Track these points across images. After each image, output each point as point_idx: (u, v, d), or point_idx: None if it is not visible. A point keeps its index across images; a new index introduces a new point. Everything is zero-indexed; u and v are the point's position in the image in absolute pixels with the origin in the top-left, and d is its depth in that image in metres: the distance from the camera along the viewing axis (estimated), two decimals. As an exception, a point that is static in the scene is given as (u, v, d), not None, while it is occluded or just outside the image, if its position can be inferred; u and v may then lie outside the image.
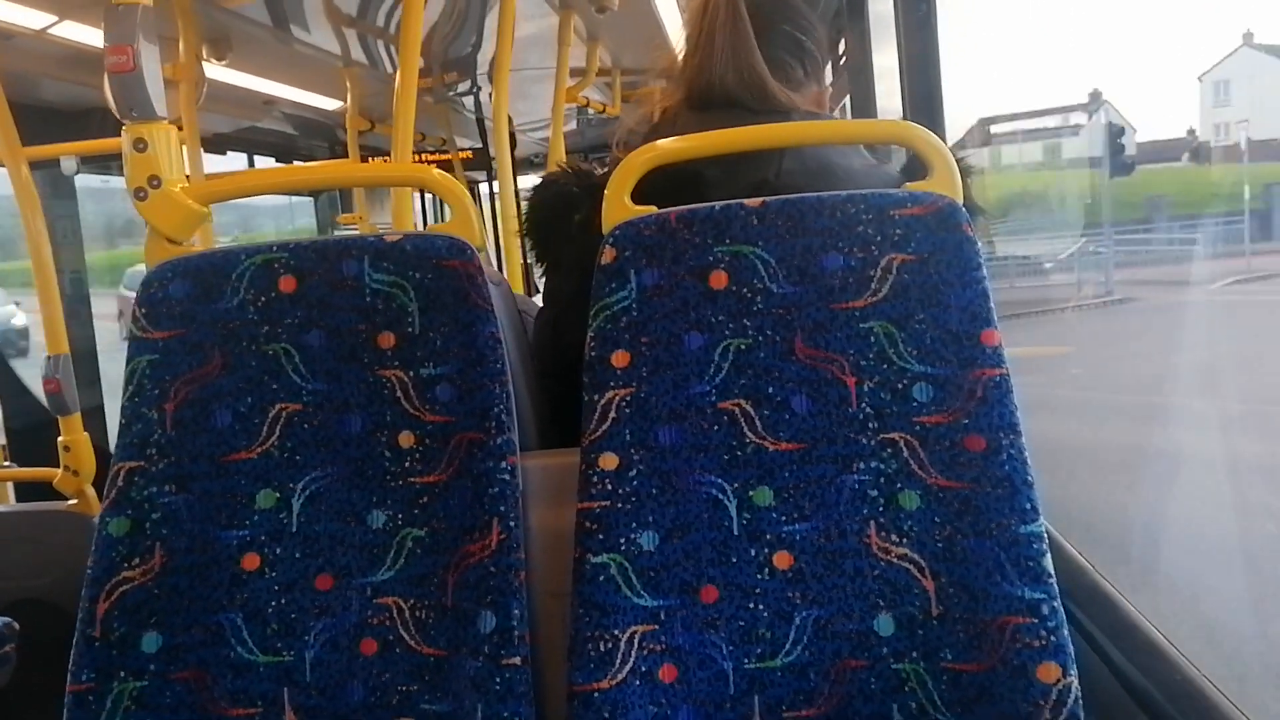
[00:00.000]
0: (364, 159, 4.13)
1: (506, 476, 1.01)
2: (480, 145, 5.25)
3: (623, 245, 1.02)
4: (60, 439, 1.92)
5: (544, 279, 1.37)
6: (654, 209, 1.04)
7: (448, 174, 1.16)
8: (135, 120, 1.08)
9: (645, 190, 1.06)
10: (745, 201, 1.02)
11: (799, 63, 1.31)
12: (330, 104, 4.13)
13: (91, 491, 1.95)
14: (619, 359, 1.00)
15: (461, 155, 5.29)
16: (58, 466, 1.96)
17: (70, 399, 1.91)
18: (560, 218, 1.27)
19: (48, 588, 1.94)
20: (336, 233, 5.53)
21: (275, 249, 1.07)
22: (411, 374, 1.05)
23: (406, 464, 1.04)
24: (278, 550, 1.04)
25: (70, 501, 1.95)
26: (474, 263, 1.05)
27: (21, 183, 1.92)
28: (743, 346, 1.00)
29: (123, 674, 1.01)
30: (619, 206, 1.05)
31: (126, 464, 1.04)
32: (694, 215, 1.01)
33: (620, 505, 0.98)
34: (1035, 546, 0.92)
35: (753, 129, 1.13)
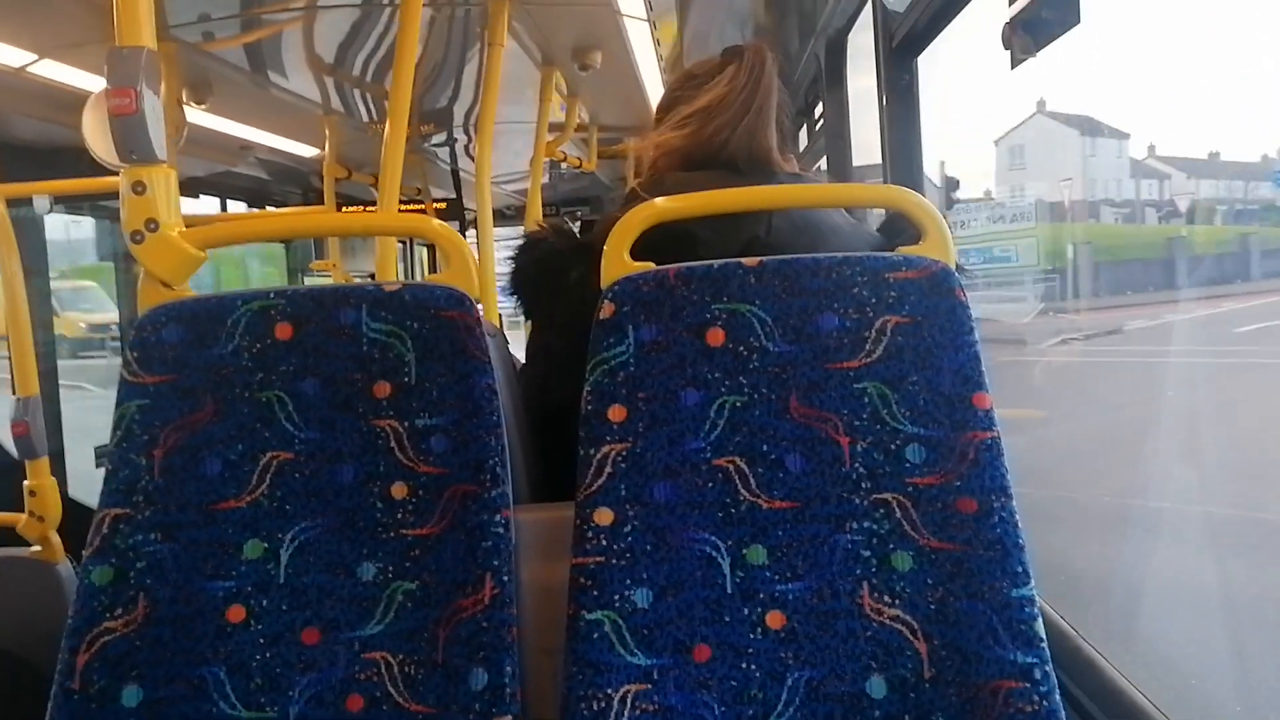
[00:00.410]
0: (338, 207, 4.12)
1: (501, 530, 1.00)
2: (454, 196, 5.28)
3: (621, 301, 1.02)
4: (26, 483, 1.88)
5: (530, 336, 1.37)
6: (652, 265, 1.05)
7: (447, 225, 1.16)
8: (135, 163, 1.07)
9: (639, 247, 1.07)
10: (743, 261, 1.03)
11: (780, 130, 1.35)
12: (306, 150, 4.13)
13: (55, 538, 1.90)
14: (616, 413, 1.01)
15: (435, 205, 5.31)
16: (14, 511, 1.92)
17: (39, 442, 1.87)
18: (553, 275, 1.28)
19: (6, 635, 1.88)
20: (308, 279, 5.50)
21: (272, 295, 1.06)
22: (406, 424, 1.04)
23: (399, 515, 1.03)
24: (264, 602, 1.02)
25: (34, 548, 1.90)
26: (472, 314, 1.05)
27: None
28: (738, 404, 1.01)
29: None
30: (618, 263, 1.06)
31: (112, 511, 1.02)
32: (692, 273, 1.03)
33: (615, 561, 0.97)
34: (1027, 610, 0.93)
35: (751, 190, 1.15)
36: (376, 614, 1.02)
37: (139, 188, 1.08)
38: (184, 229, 1.11)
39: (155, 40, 1.07)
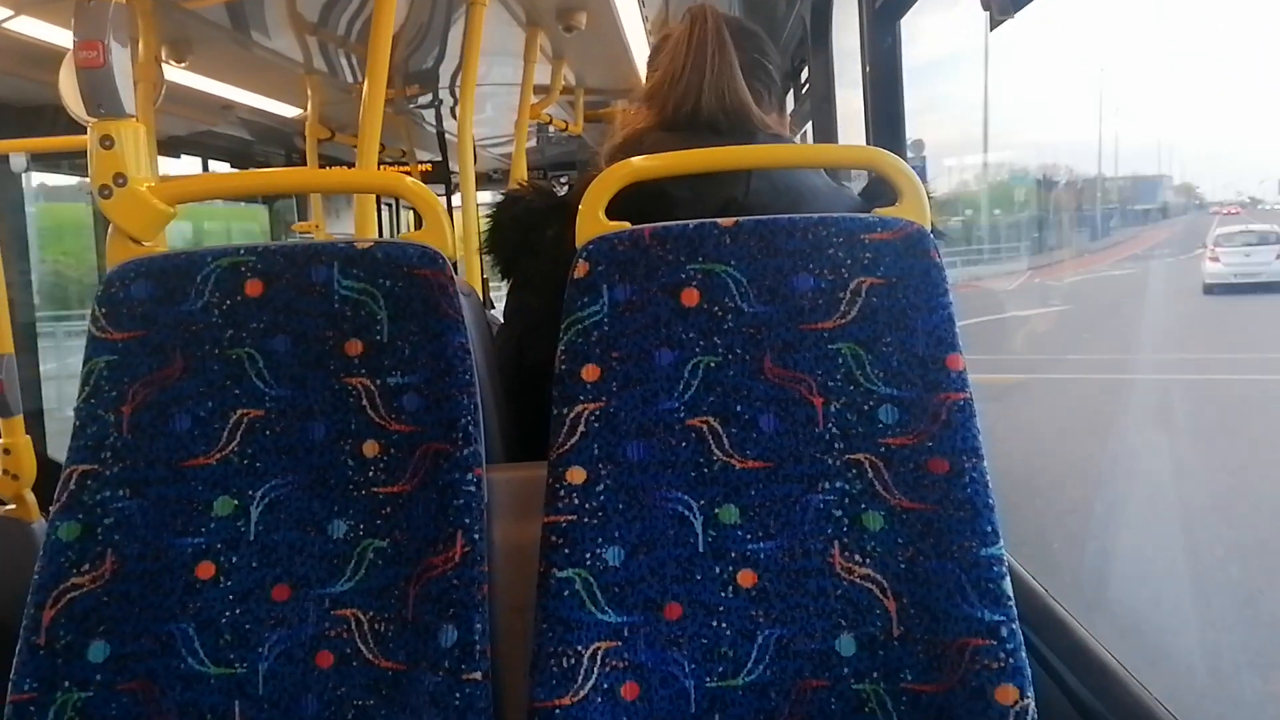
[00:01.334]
0: (322, 167, 4.09)
1: (472, 488, 1.00)
2: (440, 159, 5.24)
3: (596, 260, 1.02)
4: (0, 441, 1.87)
5: (508, 295, 1.37)
6: (628, 225, 1.04)
7: (421, 183, 1.15)
8: (103, 117, 1.06)
9: (615, 207, 1.07)
10: (719, 221, 1.02)
11: (766, 89, 1.34)
12: (289, 111, 4.10)
13: (30, 496, 1.89)
14: (589, 373, 1.00)
15: (421, 168, 5.27)
16: None
17: (13, 400, 1.85)
18: (528, 233, 1.27)
19: None
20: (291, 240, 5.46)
21: (242, 252, 1.05)
22: (378, 382, 1.03)
23: (370, 473, 1.03)
24: (234, 559, 1.02)
25: (8, 507, 1.89)
26: (445, 272, 1.04)
27: None
28: (712, 364, 1.01)
29: (67, 684, 0.98)
30: (593, 222, 1.05)
31: (79, 467, 1.01)
32: (668, 232, 1.02)
33: (587, 520, 0.97)
34: (995, 569, 0.94)
35: (727, 150, 1.14)
36: (347, 571, 1.02)
37: (107, 142, 1.06)
38: (154, 184, 1.09)
39: None
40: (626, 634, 0.96)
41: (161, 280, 1.05)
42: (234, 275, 1.05)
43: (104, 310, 1.04)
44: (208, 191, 1.21)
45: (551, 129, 4.41)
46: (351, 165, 4.72)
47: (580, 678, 0.94)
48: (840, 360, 1.00)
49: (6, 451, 1.85)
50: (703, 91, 1.25)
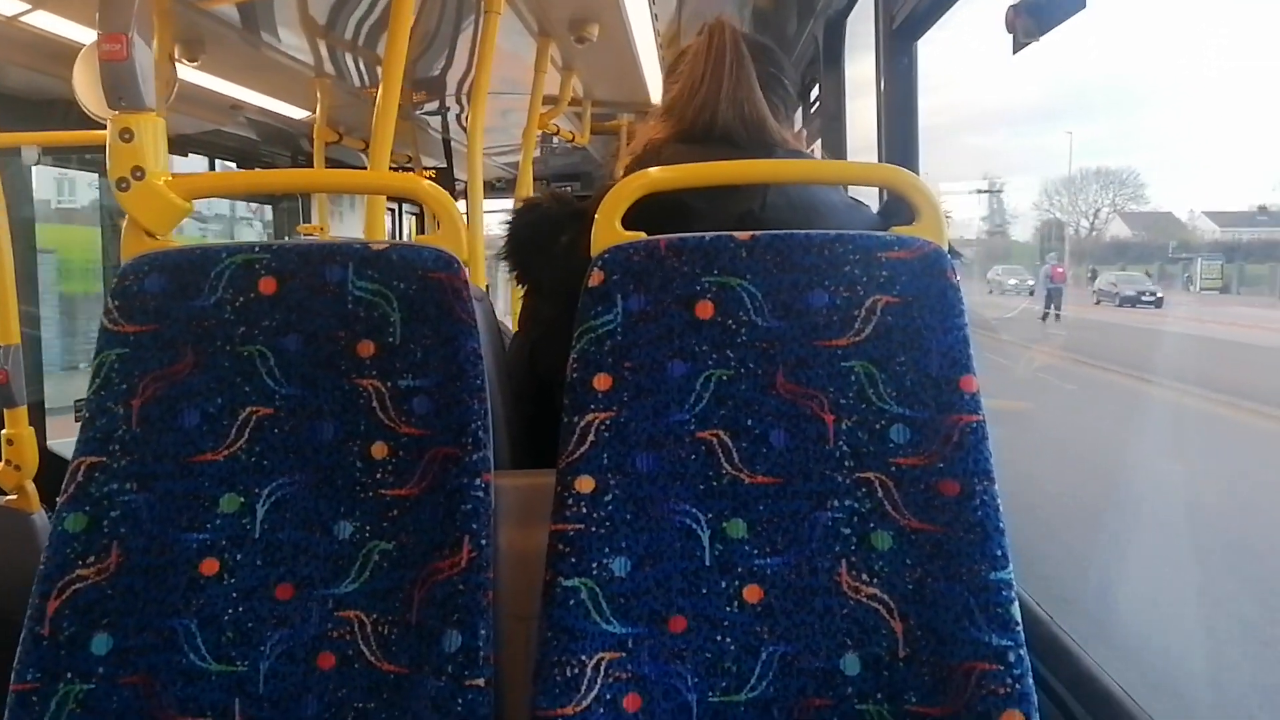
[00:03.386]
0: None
1: (480, 494, 1.00)
2: (445, 165, 5.25)
3: (611, 269, 1.02)
4: (3, 432, 1.86)
5: (522, 301, 1.37)
6: (643, 235, 1.04)
7: (438, 187, 1.15)
8: (124, 110, 1.06)
9: (632, 218, 1.07)
10: (735, 234, 1.02)
11: (782, 104, 1.34)
12: (296, 113, 4.10)
13: (32, 487, 1.89)
14: (601, 382, 1.00)
15: (425, 174, 5.28)
16: None
17: (18, 391, 1.85)
18: (545, 239, 1.27)
19: None
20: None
21: (257, 249, 1.05)
22: (389, 384, 1.03)
23: (378, 475, 1.03)
24: (238, 556, 1.01)
25: (9, 498, 1.89)
26: (460, 276, 1.04)
27: None
28: (724, 377, 1.00)
29: (69, 675, 0.97)
30: (609, 231, 1.05)
31: (87, 459, 1.01)
32: (684, 244, 1.02)
33: (594, 529, 0.97)
34: (1004, 594, 0.93)
35: (747, 163, 1.15)
36: (351, 572, 1.01)
37: (126, 135, 1.06)
38: (170, 178, 1.09)
39: None
40: (630, 645, 0.96)
41: (175, 275, 1.05)
42: (248, 272, 1.04)
43: (117, 303, 1.04)
44: (225, 188, 1.22)
45: (557, 140, 4.41)
46: (356, 168, 4.73)
47: (583, 687, 0.94)
48: (853, 378, 1.00)
49: (10, 442, 1.85)
50: (720, 103, 1.25)
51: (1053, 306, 16.12)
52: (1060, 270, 16.69)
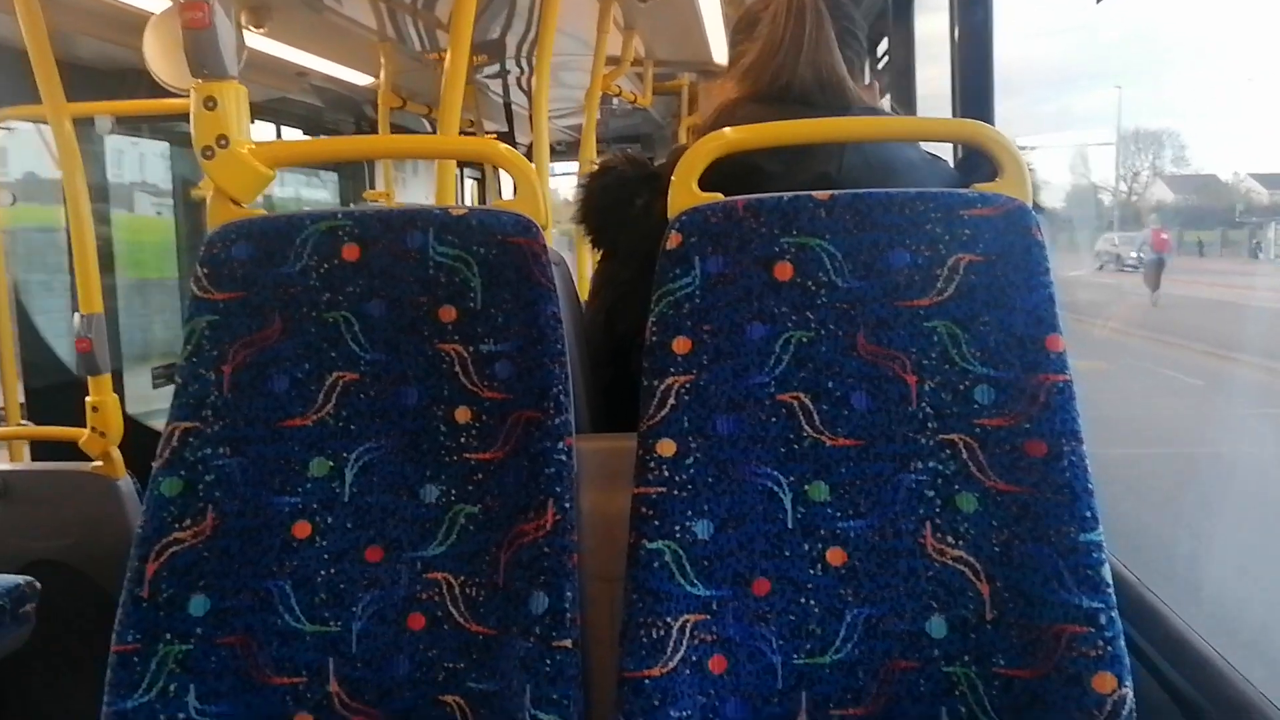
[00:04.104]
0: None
1: (563, 457, 1.01)
2: (506, 129, 5.25)
3: (689, 231, 1.01)
4: (88, 399, 1.91)
5: (597, 265, 1.37)
6: (720, 196, 1.03)
7: (515, 151, 1.15)
8: (207, 78, 1.07)
9: (706, 181, 1.06)
10: (814, 194, 1.01)
11: (857, 57, 1.32)
12: (360, 79, 4.12)
13: (117, 454, 1.94)
14: (680, 345, 1.00)
15: (488, 138, 5.28)
16: (72, 427, 1.95)
17: (101, 359, 1.90)
18: (620, 203, 1.26)
19: (66, 550, 1.93)
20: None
21: (340, 216, 1.06)
22: (471, 349, 1.04)
23: (462, 439, 1.04)
24: (329, 519, 1.03)
25: (95, 464, 1.94)
26: (539, 241, 1.04)
27: (65, 140, 1.91)
28: (804, 339, 1.00)
29: (169, 636, 1.00)
30: (685, 193, 1.05)
31: (181, 424, 1.03)
32: (761, 205, 1.01)
33: (676, 492, 0.97)
34: (1094, 555, 0.92)
35: (821, 122, 1.13)
36: (438, 535, 1.03)
37: (210, 103, 1.08)
38: (254, 146, 1.11)
39: None
40: (715, 607, 0.96)
41: (261, 242, 1.06)
42: (331, 239, 1.06)
43: (205, 271, 1.06)
44: (307, 156, 1.23)
45: (617, 101, 4.39)
46: (419, 133, 4.75)
47: (669, 649, 0.94)
48: (936, 338, 0.98)
49: (95, 409, 1.90)
50: (799, 65, 1.24)
51: (1154, 283, 12.80)
52: (1165, 237, 13.85)
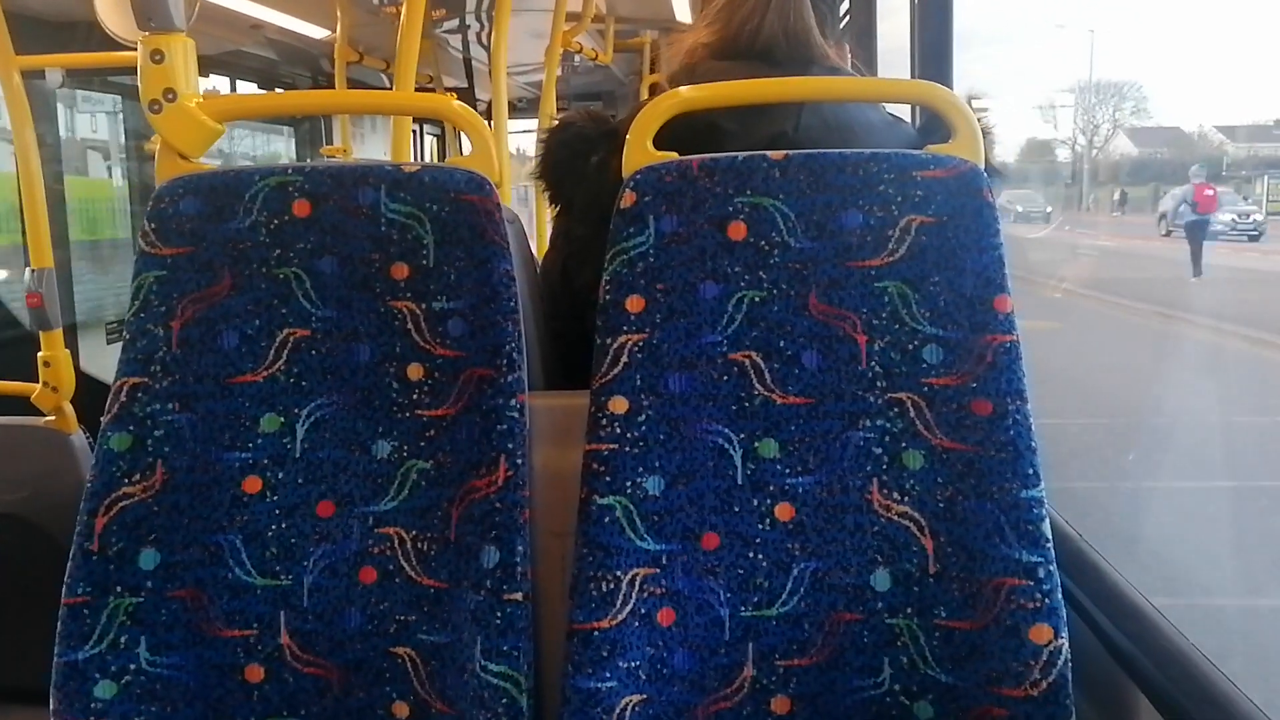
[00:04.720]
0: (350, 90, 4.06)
1: (515, 414, 1.01)
2: (465, 85, 5.19)
3: (643, 190, 1.01)
4: (40, 354, 1.89)
5: (554, 220, 1.36)
6: (675, 155, 1.04)
7: (469, 108, 1.14)
8: (154, 31, 1.05)
9: (663, 138, 1.06)
10: (768, 154, 1.02)
11: (830, 10, 1.31)
12: (317, 32, 4.05)
13: (69, 408, 1.92)
14: (633, 304, 1.00)
15: (447, 94, 5.22)
16: (21, 382, 1.93)
17: (53, 314, 1.87)
18: (577, 159, 1.26)
19: (21, 503, 1.91)
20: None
21: (290, 171, 1.05)
22: (423, 306, 1.04)
23: (414, 396, 1.04)
24: (280, 475, 1.03)
25: (48, 418, 1.92)
26: (492, 198, 1.04)
27: (13, 93, 1.87)
28: (757, 299, 1.01)
29: (119, 589, 1.00)
30: (640, 151, 1.05)
31: (130, 379, 1.03)
32: (716, 164, 1.01)
33: (628, 449, 0.99)
34: (1035, 511, 0.94)
35: (776, 81, 1.13)
36: (390, 491, 1.03)
37: (157, 56, 1.06)
38: (201, 100, 1.09)
39: None
40: (665, 561, 0.98)
41: (210, 197, 1.05)
42: (282, 195, 1.05)
43: (153, 225, 1.05)
44: (256, 109, 1.22)
45: (579, 58, 4.35)
46: (378, 89, 4.69)
47: (619, 602, 0.96)
48: (886, 299, 1.00)
49: (46, 364, 1.87)
50: (768, 12, 1.23)
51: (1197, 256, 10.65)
52: (1211, 194, 11.40)
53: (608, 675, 0.95)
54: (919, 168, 1.00)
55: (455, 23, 4.32)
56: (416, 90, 5.06)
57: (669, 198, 1.01)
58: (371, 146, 5.72)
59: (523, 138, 6.69)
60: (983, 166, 1.02)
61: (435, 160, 7.25)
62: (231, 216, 1.05)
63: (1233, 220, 12.83)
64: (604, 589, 0.96)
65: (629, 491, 0.98)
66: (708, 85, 1.10)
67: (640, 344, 1.00)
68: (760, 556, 0.99)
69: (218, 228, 1.05)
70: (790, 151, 1.02)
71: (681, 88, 1.08)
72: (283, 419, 1.04)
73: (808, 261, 1.00)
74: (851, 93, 1.22)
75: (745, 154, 1.02)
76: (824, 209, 1.00)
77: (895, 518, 0.98)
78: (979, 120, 1.06)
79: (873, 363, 0.99)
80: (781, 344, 1.00)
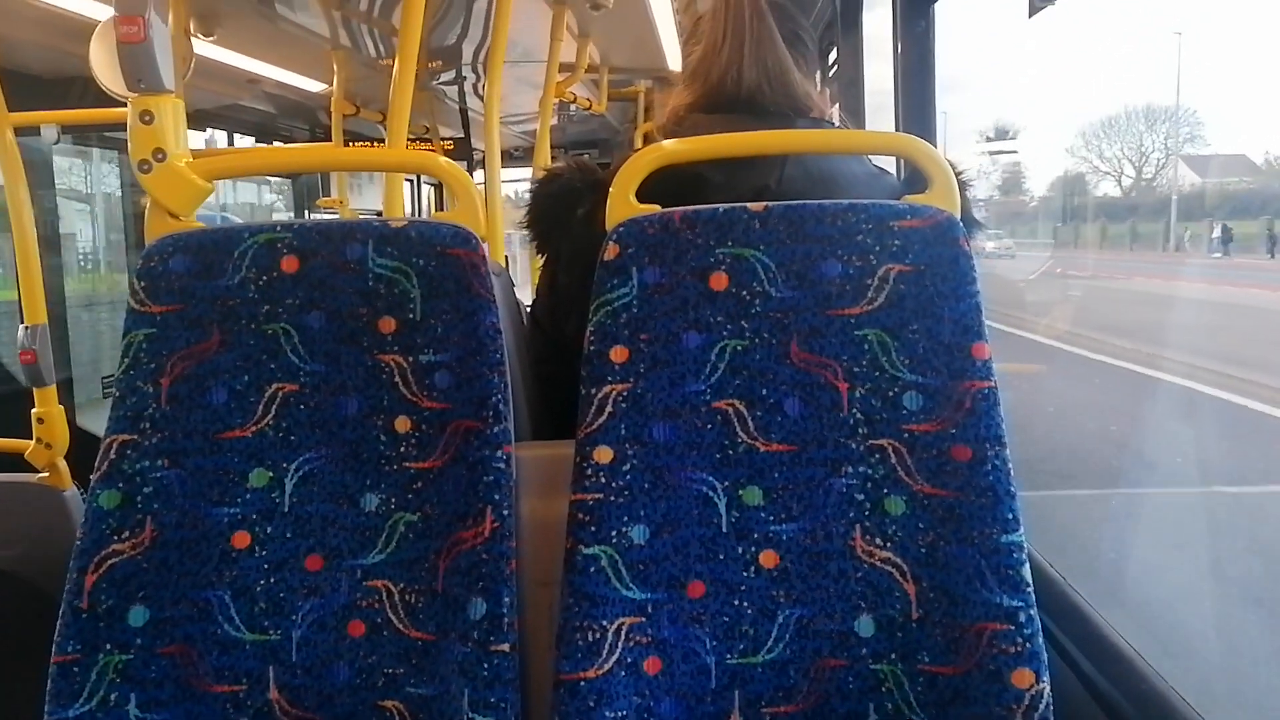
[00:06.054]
0: (346, 143, 4.11)
1: (502, 465, 1.02)
2: (462, 135, 5.25)
3: (626, 242, 1.03)
4: (34, 410, 1.89)
5: (541, 270, 1.38)
6: (658, 208, 1.05)
7: (454, 163, 1.16)
8: (143, 92, 1.07)
9: (648, 190, 1.08)
10: (749, 205, 1.03)
11: (804, 58, 1.34)
12: (314, 85, 4.11)
13: (63, 465, 1.92)
14: (618, 354, 1.02)
15: (443, 145, 5.28)
16: (18, 439, 1.93)
17: (46, 370, 1.88)
18: (563, 210, 1.28)
19: (13, 560, 1.91)
20: (313, 216, 5.50)
21: (279, 228, 1.07)
22: (411, 360, 1.05)
23: (402, 449, 1.05)
24: (268, 529, 1.04)
25: (42, 474, 1.92)
26: (478, 252, 1.05)
27: (5, 149, 1.89)
28: (739, 348, 1.02)
29: (108, 646, 1.00)
30: (623, 204, 1.07)
31: (119, 436, 1.04)
32: (697, 216, 1.03)
33: (613, 498, 0.99)
34: (1015, 556, 0.95)
35: (758, 134, 1.15)
36: (378, 543, 1.04)
37: (146, 117, 1.08)
38: (191, 159, 1.11)
39: None
40: (650, 610, 0.98)
41: (199, 255, 1.07)
42: (271, 251, 1.06)
43: (143, 284, 1.06)
44: (245, 168, 1.23)
45: (574, 107, 4.41)
46: (374, 140, 4.75)
47: (605, 651, 0.96)
48: (866, 346, 1.01)
49: (40, 420, 1.88)
50: (744, 61, 1.25)
51: None
52: None
53: None
54: (896, 218, 1.02)
55: (452, 74, 4.38)
56: (412, 141, 5.12)
57: (651, 249, 1.03)
58: (369, 197, 5.77)
59: (521, 184, 6.77)
60: (959, 216, 1.04)
61: (435, 210, 7.31)
62: (221, 274, 1.06)
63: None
64: (590, 639, 0.96)
65: (614, 541, 0.98)
66: (691, 139, 1.12)
67: (625, 394, 1.01)
68: (745, 604, 0.99)
69: (207, 285, 1.06)
70: (770, 203, 1.04)
71: (665, 142, 1.10)
72: (271, 473, 1.05)
73: (789, 311, 1.02)
74: (832, 145, 1.24)
75: (726, 206, 1.03)
76: (804, 259, 1.02)
77: (878, 564, 0.98)
78: (959, 174, 1.08)
79: (854, 410, 1.00)
80: (764, 392, 1.01)
